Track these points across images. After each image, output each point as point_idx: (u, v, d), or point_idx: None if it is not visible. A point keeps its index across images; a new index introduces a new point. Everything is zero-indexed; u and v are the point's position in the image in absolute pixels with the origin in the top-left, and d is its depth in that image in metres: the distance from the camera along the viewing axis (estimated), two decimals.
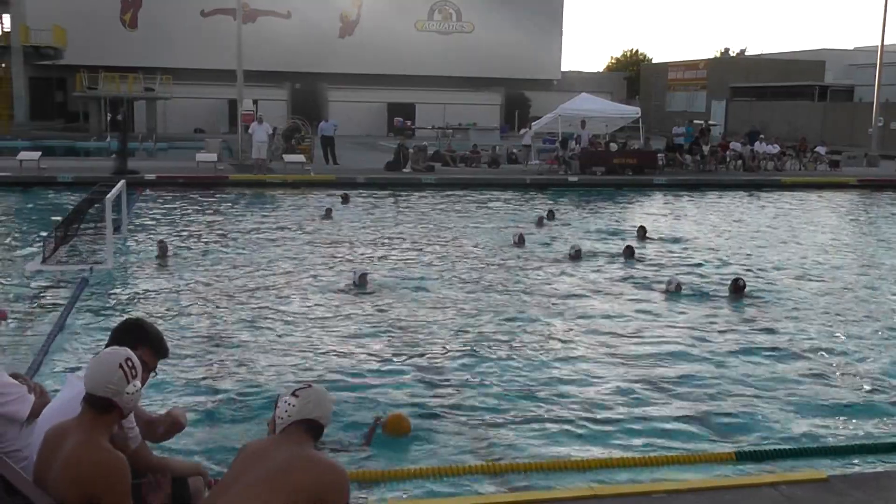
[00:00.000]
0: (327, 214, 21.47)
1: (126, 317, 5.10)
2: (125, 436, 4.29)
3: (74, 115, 55.43)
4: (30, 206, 23.28)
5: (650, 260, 16.81)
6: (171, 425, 4.97)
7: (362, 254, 16.88)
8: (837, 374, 10.00)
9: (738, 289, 13.68)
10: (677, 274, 15.02)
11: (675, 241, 19.31)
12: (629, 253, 16.70)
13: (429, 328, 11.55)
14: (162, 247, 15.93)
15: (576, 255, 16.53)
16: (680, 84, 70.23)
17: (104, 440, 3.97)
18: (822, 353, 10.83)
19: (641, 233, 19.31)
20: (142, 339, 4.54)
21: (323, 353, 10.27)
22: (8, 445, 4.33)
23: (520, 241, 17.94)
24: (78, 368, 9.16)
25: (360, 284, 13.54)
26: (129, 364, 4.02)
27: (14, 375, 4.58)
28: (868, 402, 9.10)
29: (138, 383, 4.06)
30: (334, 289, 13.61)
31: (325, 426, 4.10)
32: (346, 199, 24.20)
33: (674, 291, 13.75)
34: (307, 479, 3.80)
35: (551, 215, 22.05)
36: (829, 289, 14.81)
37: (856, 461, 7.38)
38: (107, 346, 4.48)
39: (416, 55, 61.47)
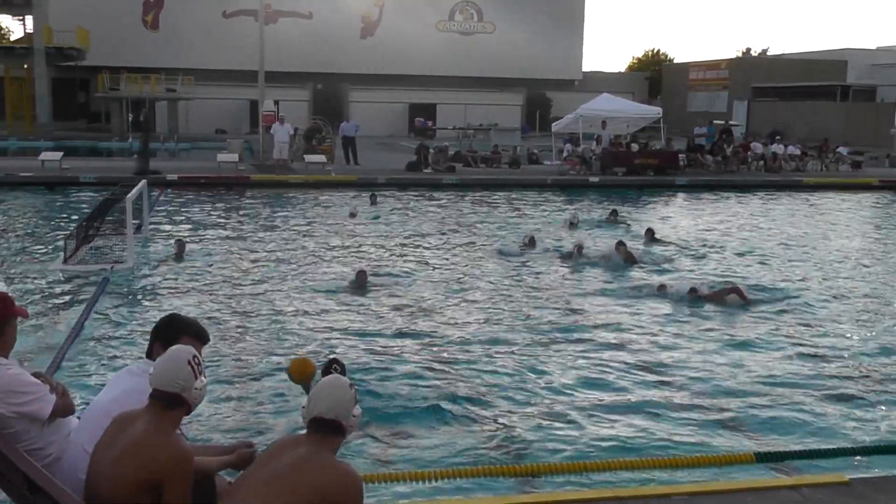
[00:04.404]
0: (353, 215, 21.54)
1: (160, 315, 5.17)
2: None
3: (97, 115, 55.81)
4: (52, 205, 23.42)
5: (665, 262, 16.65)
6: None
7: (378, 253, 16.91)
8: (859, 376, 9.93)
9: (736, 293, 13.43)
10: (694, 278, 14.83)
11: (691, 242, 19.18)
12: (631, 258, 16.29)
13: (442, 328, 11.54)
14: (179, 245, 16.01)
15: (578, 252, 16.45)
16: (701, 84, 69.80)
17: (172, 432, 4.10)
18: (844, 355, 10.76)
19: (649, 235, 19.07)
20: (182, 329, 4.69)
21: (332, 349, 10.29)
22: (30, 444, 4.36)
23: (530, 243, 17.62)
24: (107, 365, 9.30)
25: (360, 282, 13.56)
26: (196, 361, 4.21)
27: (36, 374, 4.61)
28: (890, 404, 9.03)
29: (204, 379, 4.23)
30: (344, 286, 13.65)
31: (345, 424, 4.02)
32: (374, 200, 24.22)
33: (685, 295, 13.50)
34: (307, 481, 3.81)
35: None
36: (851, 290, 14.69)
37: (878, 464, 7.31)
38: (150, 343, 4.71)
39: (437, 56, 61.43)
